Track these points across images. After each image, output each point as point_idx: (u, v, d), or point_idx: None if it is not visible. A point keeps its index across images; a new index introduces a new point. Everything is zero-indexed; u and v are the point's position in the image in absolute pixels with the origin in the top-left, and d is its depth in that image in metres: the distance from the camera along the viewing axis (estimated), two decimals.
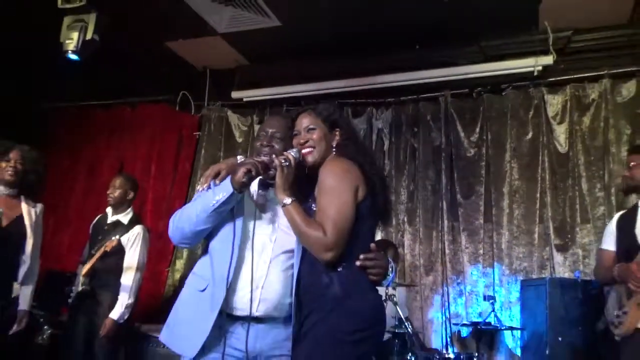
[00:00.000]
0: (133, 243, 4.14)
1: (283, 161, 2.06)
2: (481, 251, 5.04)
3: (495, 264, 4.96)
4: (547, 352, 4.09)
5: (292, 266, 2.17)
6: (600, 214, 4.73)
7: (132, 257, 4.12)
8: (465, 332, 4.82)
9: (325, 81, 5.56)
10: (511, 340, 4.78)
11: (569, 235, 4.82)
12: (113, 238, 4.00)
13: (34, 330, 4.46)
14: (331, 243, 1.95)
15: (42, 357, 4.56)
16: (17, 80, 5.95)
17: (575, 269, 4.64)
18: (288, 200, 2.03)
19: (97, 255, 3.98)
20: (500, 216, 5.03)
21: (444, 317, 4.98)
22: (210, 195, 2.12)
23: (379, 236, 4.91)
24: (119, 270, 4.09)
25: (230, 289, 2.07)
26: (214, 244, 2.19)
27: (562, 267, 4.76)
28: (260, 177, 2.11)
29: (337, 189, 2.02)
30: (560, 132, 5.02)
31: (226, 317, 2.06)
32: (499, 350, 4.82)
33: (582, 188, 4.84)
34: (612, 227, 3.35)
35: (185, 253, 5.83)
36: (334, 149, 2.20)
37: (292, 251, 2.19)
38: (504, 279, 4.90)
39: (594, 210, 4.77)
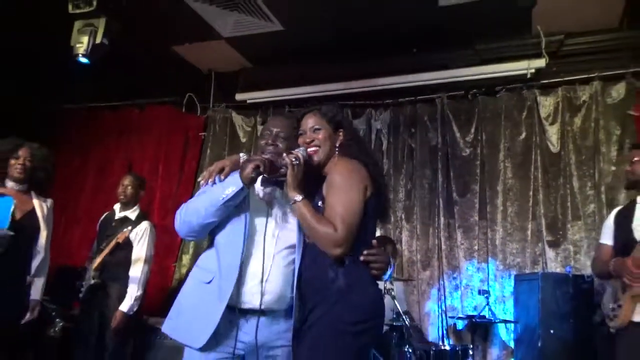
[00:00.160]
0: (141, 238, 4.18)
1: (294, 159, 2.08)
2: (476, 247, 5.06)
3: (490, 259, 4.97)
4: (539, 344, 4.10)
5: (293, 261, 2.19)
6: (591, 211, 4.75)
7: (140, 250, 4.16)
8: (460, 324, 4.83)
9: (326, 83, 5.57)
10: (505, 333, 4.79)
11: (561, 232, 4.83)
12: (124, 230, 4.03)
13: (47, 323, 4.48)
14: (341, 239, 1.97)
15: (54, 349, 4.58)
16: (29, 83, 5.98)
17: (566, 264, 4.65)
18: (299, 197, 2.04)
19: (109, 248, 4.01)
20: (494, 213, 5.04)
21: (440, 311, 5.00)
22: (218, 189, 2.12)
23: (377, 233, 4.92)
24: (127, 264, 4.12)
25: (237, 282, 2.08)
26: (219, 238, 2.19)
27: (554, 263, 4.77)
28: (265, 174, 2.12)
29: (347, 187, 2.05)
30: (553, 133, 5.03)
31: (230, 310, 2.07)
32: (493, 343, 4.84)
33: (573, 186, 4.85)
34: (610, 222, 3.32)
35: (191, 249, 5.84)
36: (337, 149, 2.21)
37: (293, 247, 2.20)
38: (498, 273, 4.91)
39: (585, 207, 4.78)
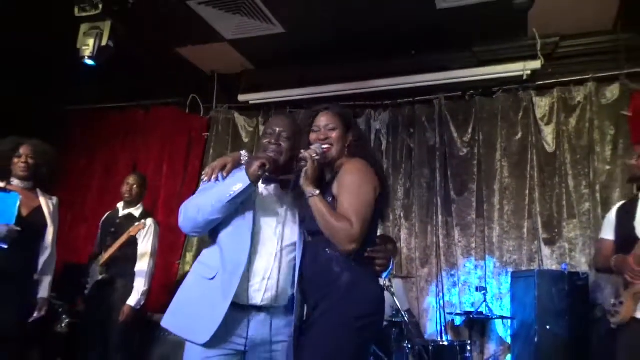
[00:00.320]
0: (146, 234, 4.18)
1: (314, 154, 2.09)
2: (473, 245, 5.04)
3: (487, 256, 4.95)
4: (535, 340, 4.09)
5: (294, 258, 2.19)
6: (586, 209, 4.73)
7: (147, 245, 4.16)
8: (458, 321, 4.81)
9: (326, 84, 5.55)
10: (502, 329, 4.77)
11: (556, 230, 4.82)
12: (137, 223, 4.03)
13: (53, 319, 4.47)
14: (356, 234, 1.99)
15: (60, 345, 4.57)
16: (36, 84, 5.96)
17: (562, 262, 4.64)
18: (316, 192, 2.06)
19: (120, 243, 4.00)
20: (491, 212, 5.02)
21: (438, 307, 4.99)
22: (225, 186, 2.10)
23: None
24: (133, 260, 4.12)
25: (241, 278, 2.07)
26: (223, 235, 2.16)
27: (549, 260, 4.76)
28: (269, 172, 2.11)
29: (360, 186, 2.07)
30: (548, 133, 5.01)
31: (232, 306, 2.05)
32: (491, 338, 4.83)
33: (568, 185, 4.83)
34: (611, 217, 3.22)
35: (195, 246, 5.83)
36: (346, 149, 2.23)
37: (294, 244, 2.20)
38: (495, 271, 4.90)
39: (580, 206, 4.77)
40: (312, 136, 2.23)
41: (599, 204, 4.64)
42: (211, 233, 2.21)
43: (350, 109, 5.61)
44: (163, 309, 2.22)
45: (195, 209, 2.12)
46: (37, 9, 4.72)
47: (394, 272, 4.73)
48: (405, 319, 4.24)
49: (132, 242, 4.09)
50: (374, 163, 2.21)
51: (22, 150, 3.39)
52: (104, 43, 4.09)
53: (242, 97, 5.99)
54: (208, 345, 2.02)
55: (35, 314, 3.37)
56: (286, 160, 2.24)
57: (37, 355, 4.42)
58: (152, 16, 4.83)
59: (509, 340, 4.68)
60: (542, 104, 5.07)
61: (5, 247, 3.08)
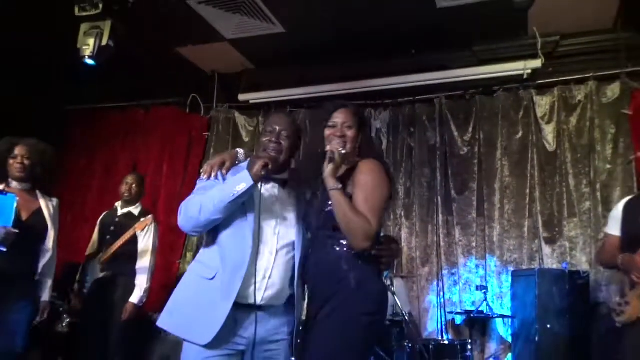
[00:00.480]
0: (146, 231, 4.18)
1: (340, 149, 2.11)
2: (474, 244, 5.04)
3: (488, 256, 4.95)
4: (536, 338, 4.10)
5: (292, 258, 2.19)
6: (586, 208, 4.73)
7: (147, 242, 4.17)
8: (459, 320, 4.81)
9: (326, 84, 5.54)
10: (502, 328, 4.77)
11: (557, 229, 4.81)
12: (142, 219, 4.04)
13: (54, 319, 4.46)
14: (373, 233, 2.03)
15: (61, 345, 4.57)
16: (37, 84, 5.96)
17: (562, 261, 4.64)
18: (339, 186, 2.07)
19: (123, 240, 4.01)
20: (492, 211, 5.02)
21: (439, 306, 4.99)
22: (228, 186, 2.09)
23: None
24: (134, 257, 4.12)
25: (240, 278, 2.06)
26: (223, 234, 2.15)
27: (550, 259, 4.76)
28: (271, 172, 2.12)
29: (377, 186, 2.12)
30: (549, 132, 5.01)
31: (233, 306, 2.04)
32: (491, 337, 4.83)
33: (569, 184, 4.83)
34: (618, 212, 3.12)
35: (195, 246, 5.83)
36: (357, 149, 2.25)
37: (292, 244, 2.20)
38: (496, 270, 4.90)
39: (581, 205, 4.77)
40: (328, 132, 2.23)
41: (600, 202, 4.64)
42: (210, 232, 2.19)
43: None
44: (163, 308, 2.21)
45: (197, 209, 2.09)
46: (37, 8, 4.72)
47: (394, 272, 4.73)
48: (406, 318, 4.24)
49: (133, 240, 4.10)
50: (384, 164, 2.24)
51: (17, 150, 3.32)
52: (104, 43, 4.08)
53: (242, 97, 5.99)
54: (208, 345, 2.01)
55: (38, 318, 3.35)
56: (285, 160, 2.24)
57: (37, 355, 4.42)
58: (152, 16, 4.82)
59: (509, 339, 4.68)
60: (542, 103, 5.07)
61: (4, 250, 3.03)
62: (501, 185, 5.04)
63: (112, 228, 4.22)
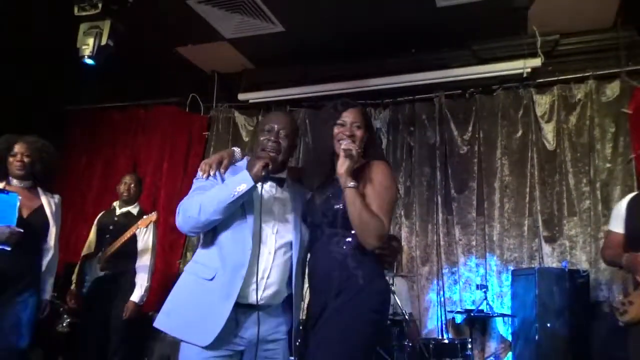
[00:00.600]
0: (146, 230, 4.19)
1: (357, 148, 2.13)
2: (474, 243, 5.03)
3: (488, 254, 4.94)
4: (536, 337, 4.10)
5: (290, 258, 2.18)
6: (586, 207, 4.73)
7: (147, 241, 4.18)
8: (459, 319, 4.81)
9: (326, 83, 5.54)
10: (503, 327, 4.77)
11: (557, 228, 4.81)
12: (145, 216, 4.05)
13: (54, 319, 4.46)
14: (385, 232, 2.08)
15: (61, 344, 4.57)
16: (37, 83, 5.95)
17: (562, 259, 4.63)
18: (355, 184, 2.08)
19: (124, 238, 4.01)
20: (491, 210, 5.01)
21: (439, 305, 4.98)
22: (227, 187, 2.07)
23: None
24: (134, 256, 4.13)
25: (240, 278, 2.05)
26: (223, 235, 2.13)
27: (550, 258, 4.75)
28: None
29: (389, 187, 2.16)
30: (548, 131, 5.00)
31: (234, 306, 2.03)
32: (491, 336, 4.82)
33: (569, 183, 4.83)
34: (621, 210, 3.06)
35: (195, 246, 5.82)
36: (363, 150, 2.26)
37: (289, 243, 2.18)
38: (496, 269, 4.89)
39: (580, 203, 4.76)
40: (336, 130, 2.23)
41: (600, 201, 4.64)
42: (208, 232, 2.17)
43: None
44: None
45: (196, 209, 2.06)
46: (37, 8, 4.71)
47: (394, 271, 4.72)
48: (406, 317, 4.24)
49: (133, 239, 4.10)
50: (390, 165, 2.29)
51: (17, 148, 3.30)
52: (103, 42, 4.07)
53: (242, 96, 5.98)
54: (208, 346, 1.99)
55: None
56: (283, 159, 2.23)
57: (38, 354, 4.41)
58: (152, 15, 4.81)
59: (509, 338, 4.67)
60: (542, 102, 5.06)
61: (8, 249, 3.02)
62: (501, 184, 5.04)
63: (111, 227, 4.23)
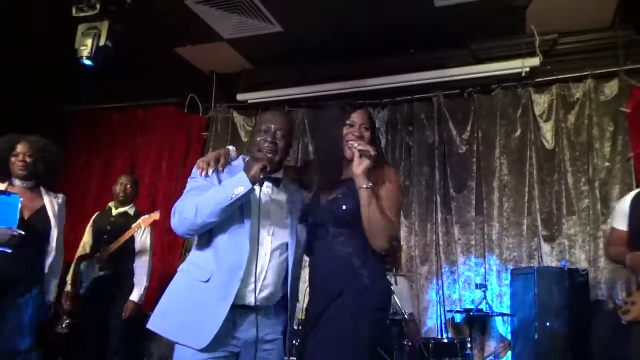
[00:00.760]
0: (143, 230, 4.20)
1: (373, 149, 2.13)
2: (473, 242, 5.02)
3: (487, 254, 4.93)
4: (535, 336, 4.09)
5: (285, 259, 2.17)
6: (585, 206, 4.72)
7: (145, 241, 4.19)
8: (458, 318, 4.80)
9: (325, 83, 5.53)
10: (502, 326, 4.76)
11: (556, 227, 4.80)
12: (146, 216, 4.04)
13: (54, 319, 4.45)
14: (394, 234, 2.15)
15: (61, 345, 4.55)
16: (37, 83, 5.94)
17: (561, 259, 4.62)
18: (370, 184, 2.10)
19: (124, 239, 4.00)
20: (490, 209, 5.01)
21: (438, 304, 4.97)
22: (224, 188, 2.05)
23: None
24: (132, 256, 4.14)
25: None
26: (219, 236, 2.11)
27: (549, 257, 4.75)
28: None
29: (397, 193, 2.22)
30: (547, 130, 5.00)
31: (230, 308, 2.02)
32: (491, 335, 4.81)
33: (567, 182, 4.82)
34: (625, 207, 3.04)
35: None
36: None
37: (285, 244, 2.18)
38: (495, 268, 4.88)
39: (579, 202, 4.75)
40: (345, 129, 2.24)
41: (598, 200, 4.63)
42: (204, 234, 2.15)
43: None
44: None
45: (192, 211, 2.04)
46: (37, 9, 4.70)
47: (394, 271, 4.71)
48: (406, 317, 4.23)
49: (131, 239, 4.11)
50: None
51: (19, 148, 3.27)
52: (101, 43, 4.06)
53: (240, 96, 5.97)
54: (203, 348, 1.97)
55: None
56: (279, 160, 2.22)
57: (37, 355, 4.40)
58: (150, 16, 4.80)
59: (509, 337, 4.67)
60: (540, 101, 5.06)
61: (10, 251, 3.00)
62: (500, 183, 5.03)
63: (108, 228, 4.22)
